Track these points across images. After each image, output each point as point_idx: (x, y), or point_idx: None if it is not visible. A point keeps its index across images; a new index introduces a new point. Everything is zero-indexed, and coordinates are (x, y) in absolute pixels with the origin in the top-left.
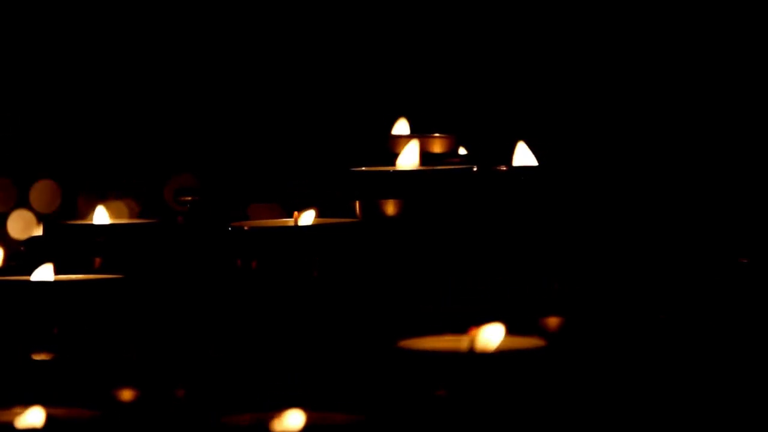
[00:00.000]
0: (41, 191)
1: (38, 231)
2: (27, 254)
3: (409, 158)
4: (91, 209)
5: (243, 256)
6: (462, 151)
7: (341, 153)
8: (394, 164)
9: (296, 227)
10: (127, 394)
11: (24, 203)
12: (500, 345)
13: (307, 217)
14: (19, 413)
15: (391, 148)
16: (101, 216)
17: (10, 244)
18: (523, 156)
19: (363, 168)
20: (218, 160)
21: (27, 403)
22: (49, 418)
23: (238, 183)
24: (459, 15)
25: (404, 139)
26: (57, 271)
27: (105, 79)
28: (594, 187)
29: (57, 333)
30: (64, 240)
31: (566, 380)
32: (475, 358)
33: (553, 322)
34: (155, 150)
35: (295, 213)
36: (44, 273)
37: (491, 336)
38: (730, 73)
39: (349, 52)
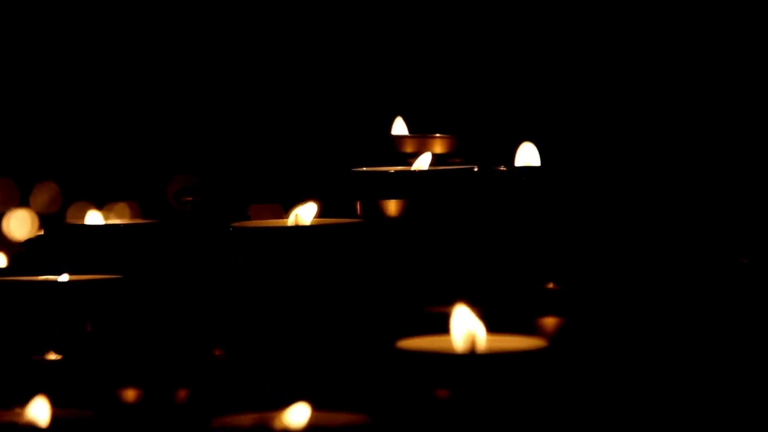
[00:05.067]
0: (42, 192)
1: (39, 231)
2: (27, 254)
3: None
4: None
5: (243, 256)
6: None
7: (342, 153)
8: (395, 164)
9: (296, 227)
10: (127, 394)
11: (25, 204)
12: (501, 345)
13: (307, 211)
14: (20, 413)
15: (395, 147)
16: (95, 218)
17: (11, 245)
18: (527, 155)
19: (364, 168)
20: (219, 160)
21: (27, 403)
22: (50, 418)
23: (238, 183)
24: (462, 15)
25: (408, 139)
26: (56, 272)
27: (108, 82)
28: (594, 188)
29: (58, 333)
30: (64, 240)
31: (567, 381)
32: (475, 358)
33: (553, 322)
34: (157, 151)
35: (293, 211)
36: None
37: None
38: (730, 73)
39: (350, 52)
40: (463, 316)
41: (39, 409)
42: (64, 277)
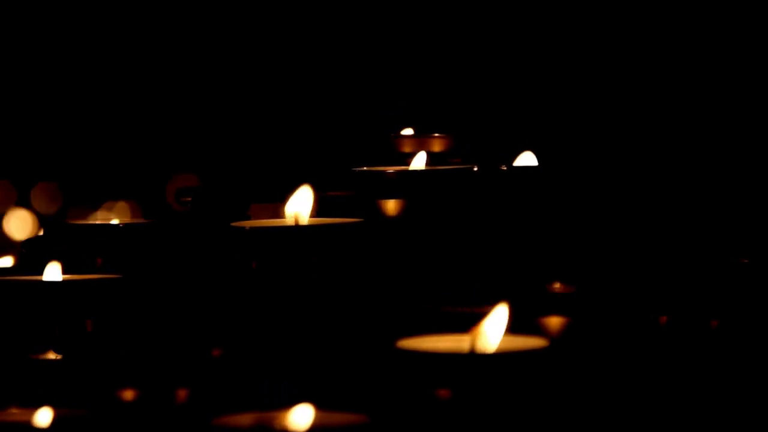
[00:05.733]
0: (41, 192)
1: (38, 231)
2: (27, 254)
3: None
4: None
5: (243, 256)
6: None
7: (342, 153)
8: (396, 164)
9: (296, 227)
10: (127, 394)
11: (25, 203)
12: (501, 345)
13: (303, 199)
14: (19, 413)
15: (395, 148)
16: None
17: (10, 245)
18: (526, 158)
19: (364, 168)
20: (219, 160)
21: (27, 403)
22: (50, 418)
23: (238, 183)
24: (460, 15)
25: (407, 139)
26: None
27: (108, 81)
28: (595, 187)
29: (58, 333)
30: (64, 240)
31: (568, 381)
32: (476, 358)
33: (555, 322)
34: (157, 150)
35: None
36: (52, 273)
37: (492, 334)
38: (731, 71)
39: (349, 51)
40: (499, 317)
41: (40, 412)
42: (58, 276)
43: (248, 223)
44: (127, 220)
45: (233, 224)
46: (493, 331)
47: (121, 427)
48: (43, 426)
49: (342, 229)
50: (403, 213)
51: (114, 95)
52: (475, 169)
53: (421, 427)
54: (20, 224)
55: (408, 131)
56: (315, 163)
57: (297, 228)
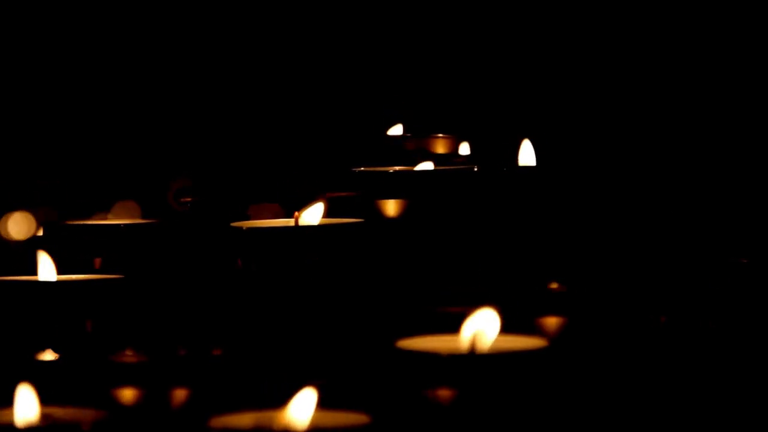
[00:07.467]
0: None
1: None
2: (27, 254)
3: (313, 215)
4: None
5: (243, 256)
6: (465, 149)
7: (342, 153)
8: (396, 164)
9: (296, 227)
10: (127, 394)
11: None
12: (501, 345)
13: (314, 212)
14: (20, 413)
15: (395, 147)
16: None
17: (10, 245)
18: (527, 154)
19: (363, 168)
20: (219, 160)
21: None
22: (49, 418)
23: (238, 183)
24: (459, 14)
25: (407, 140)
26: (57, 272)
27: (107, 82)
28: (595, 187)
29: (57, 333)
30: (64, 240)
31: (567, 381)
32: (476, 358)
33: (554, 322)
34: (156, 151)
35: (296, 213)
36: (46, 271)
37: (486, 330)
38: (731, 70)
39: (350, 51)
40: (483, 317)
41: (29, 408)
42: (53, 276)
43: (248, 223)
44: (128, 220)
45: (233, 224)
46: (487, 329)
47: (120, 428)
48: (42, 426)
49: (342, 230)
50: (403, 213)
51: (114, 95)
52: (476, 169)
53: (421, 427)
54: (19, 225)
55: (398, 129)
56: (315, 164)
57: (296, 228)
